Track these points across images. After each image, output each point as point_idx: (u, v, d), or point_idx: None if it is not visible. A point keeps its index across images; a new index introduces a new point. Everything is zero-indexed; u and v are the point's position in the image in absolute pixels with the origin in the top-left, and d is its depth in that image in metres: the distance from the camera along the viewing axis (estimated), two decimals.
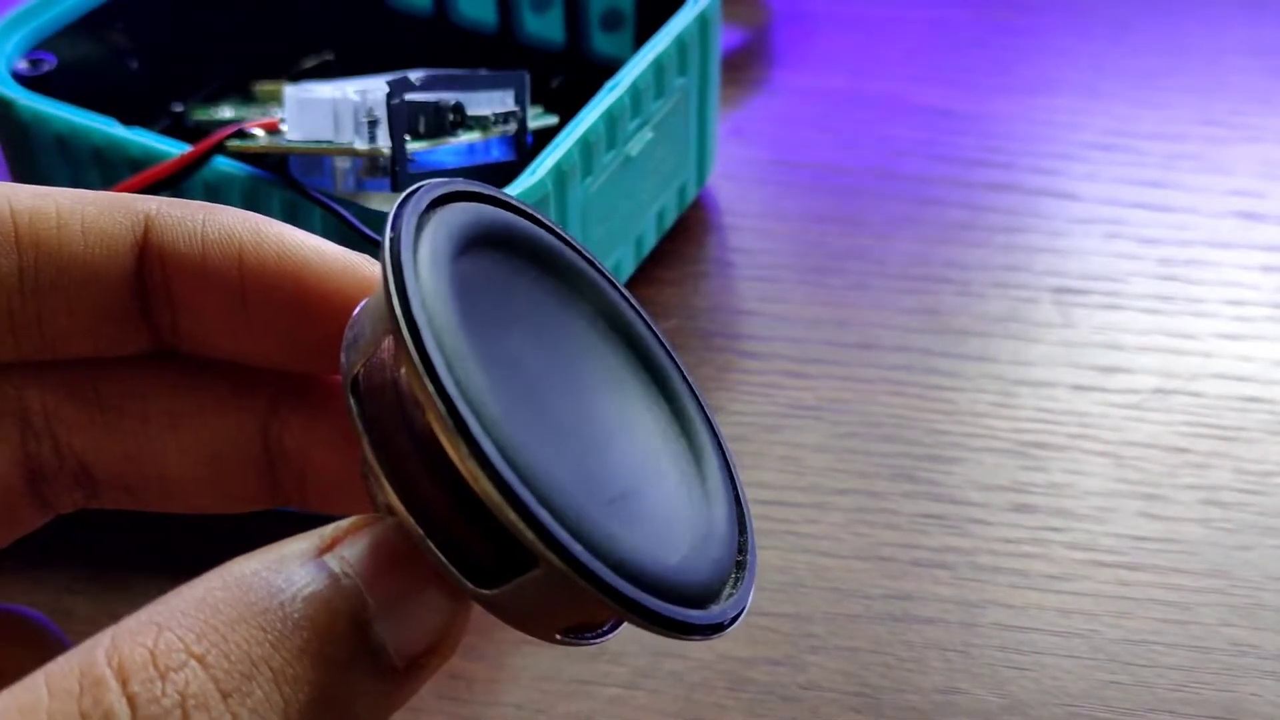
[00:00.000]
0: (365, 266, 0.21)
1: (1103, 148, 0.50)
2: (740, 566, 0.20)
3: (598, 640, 0.19)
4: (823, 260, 0.45)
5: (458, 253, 0.18)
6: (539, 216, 0.20)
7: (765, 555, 0.36)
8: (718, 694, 0.33)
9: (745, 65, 0.55)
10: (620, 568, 0.17)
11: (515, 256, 0.20)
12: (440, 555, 0.17)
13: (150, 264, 0.20)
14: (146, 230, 0.20)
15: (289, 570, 0.17)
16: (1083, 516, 0.37)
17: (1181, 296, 0.44)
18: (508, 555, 0.17)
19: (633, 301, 0.21)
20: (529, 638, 0.18)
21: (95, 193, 0.20)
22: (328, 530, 0.18)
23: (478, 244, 0.19)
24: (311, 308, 0.20)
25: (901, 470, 0.38)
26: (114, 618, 0.39)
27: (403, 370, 0.17)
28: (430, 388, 0.16)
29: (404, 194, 0.18)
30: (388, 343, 0.18)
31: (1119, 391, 0.41)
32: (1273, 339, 0.42)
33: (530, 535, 0.16)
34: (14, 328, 0.20)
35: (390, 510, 0.18)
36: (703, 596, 0.18)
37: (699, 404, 0.21)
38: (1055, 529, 0.37)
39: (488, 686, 0.34)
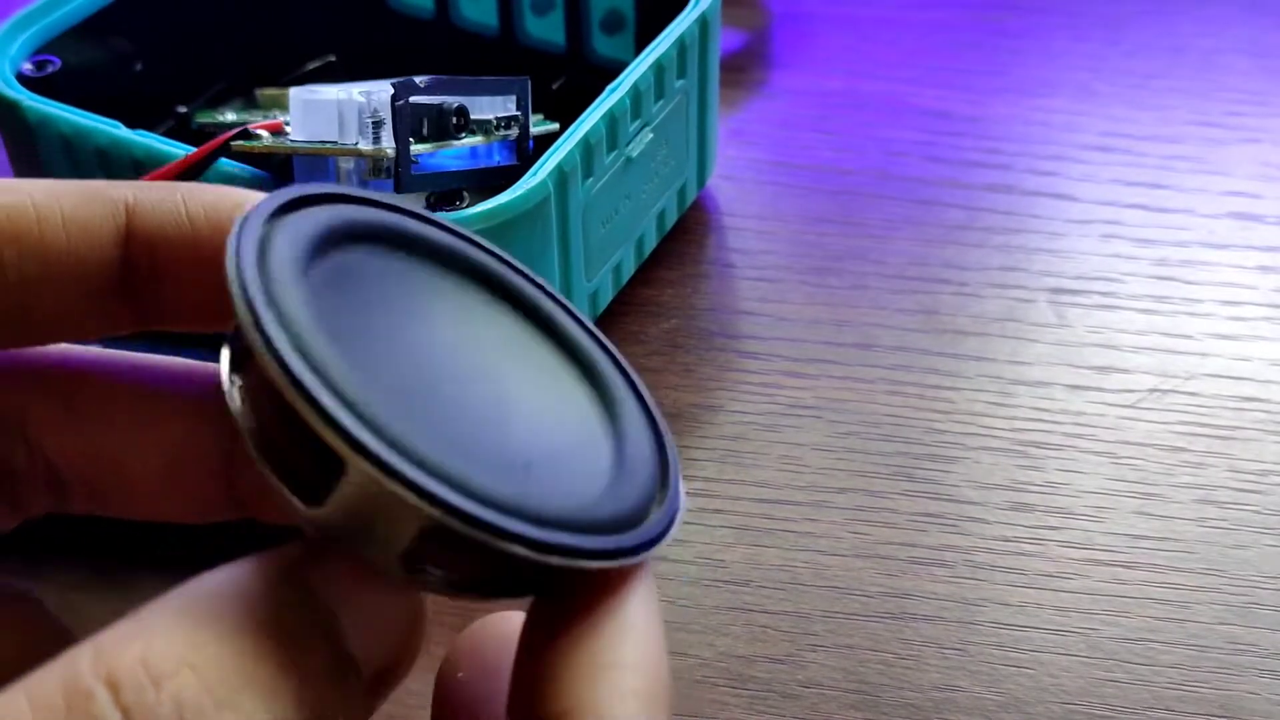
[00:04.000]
0: None
1: (1099, 149, 0.50)
2: (661, 496, 0.19)
3: (459, 590, 0.18)
4: (822, 261, 0.46)
5: (310, 250, 0.19)
6: (402, 206, 0.21)
7: (765, 554, 0.36)
8: (718, 691, 0.34)
9: (745, 67, 0.55)
10: (460, 483, 0.17)
11: (379, 247, 0.20)
12: (274, 476, 0.17)
13: (137, 250, 0.20)
14: (129, 217, 0.20)
15: (261, 585, 0.17)
16: (1080, 515, 0.37)
17: (1178, 297, 0.44)
18: (326, 469, 0.17)
19: (517, 265, 0.21)
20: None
21: (65, 183, 0.20)
22: (291, 547, 0.18)
23: (335, 242, 0.19)
24: None
25: (900, 469, 0.39)
26: (118, 616, 0.39)
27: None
28: (235, 290, 0.17)
29: (257, 202, 0.19)
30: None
31: (1115, 391, 0.41)
32: (1268, 339, 0.42)
33: (316, 421, 0.16)
34: None
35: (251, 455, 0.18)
36: (618, 526, 0.18)
37: (604, 349, 0.21)
38: (1052, 528, 0.37)
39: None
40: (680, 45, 0.42)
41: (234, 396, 0.18)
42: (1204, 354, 0.42)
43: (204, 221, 0.20)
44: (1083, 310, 0.44)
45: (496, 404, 0.19)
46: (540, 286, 0.21)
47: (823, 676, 0.34)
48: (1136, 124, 0.51)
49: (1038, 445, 0.39)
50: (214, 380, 0.21)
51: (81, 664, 0.15)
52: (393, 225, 0.20)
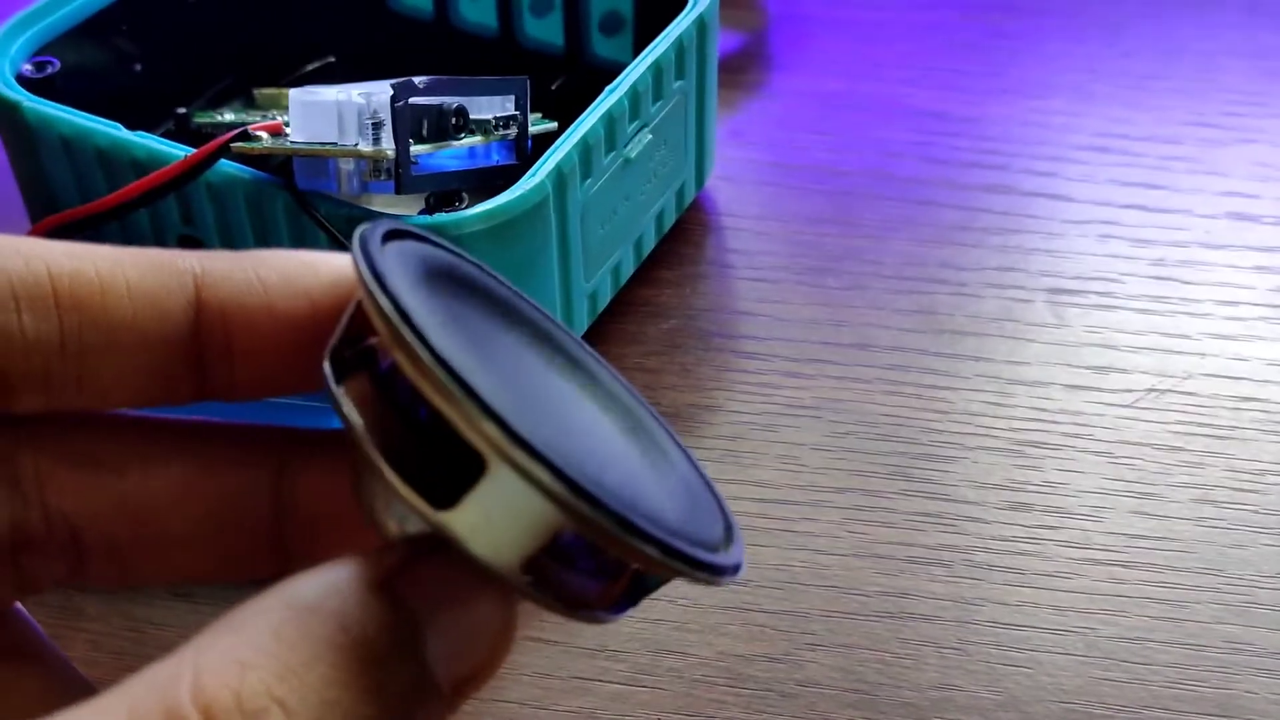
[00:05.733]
0: None
1: (1096, 149, 0.50)
2: (728, 535, 0.20)
3: (564, 602, 0.18)
4: (820, 261, 0.46)
5: (418, 275, 0.19)
6: (468, 257, 0.21)
7: (763, 553, 0.37)
8: (718, 690, 0.34)
9: (743, 68, 0.55)
10: (603, 487, 0.16)
11: (459, 288, 0.20)
12: (396, 476, 0.17)
13: (210, 323, 0.20)
14: (198, 289, 0.20)
15: (355, 599, 0.17)
16: (1078, 515, 0.37)
17: (1175, 297, 0.44)
18: (463, 471, 0.17)
19: (561, 324, 0.22)
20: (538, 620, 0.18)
21: (132, 252, 0.20)
22: (385, 554, 0.17)
23: (432, 274, 0.19)
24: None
25: (898, 469, 0.39)
26: (125, 616, 0.39)
27: (372, 325, 0.17)
28: (382, 299, 0.17)
29: (364, 224, 0.19)
30: (359, 307, 0.18)
31: (1113, 391, 0.41)
32: (1266, 339, 0.43)
33: (474, 413, 0.16)
34: (48, 387, 0.19)
35: (360, 470, 0.18)
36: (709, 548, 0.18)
37: (647, 409, 0.21)
38: (1050, 527, 0.37)
39: (489, 683, 0.34)
40: (679, 46, 0.42)
41: (344, 403, 0.18)
42: (1202, 354, 0.42)
43: (279, 285, 0.20)
44: (1080, 310, 0.44)
45: (578, 431, 0.19)
46: (579, 343, 0.21)
47: (821, 676, 0.34)
48: (1134, 125, 0.51)
49: (1035, 445, 0.39)
50: (262, 424, 0.21)
51: (181, 690, 0.16)
52: (457, 268, 0.20)
